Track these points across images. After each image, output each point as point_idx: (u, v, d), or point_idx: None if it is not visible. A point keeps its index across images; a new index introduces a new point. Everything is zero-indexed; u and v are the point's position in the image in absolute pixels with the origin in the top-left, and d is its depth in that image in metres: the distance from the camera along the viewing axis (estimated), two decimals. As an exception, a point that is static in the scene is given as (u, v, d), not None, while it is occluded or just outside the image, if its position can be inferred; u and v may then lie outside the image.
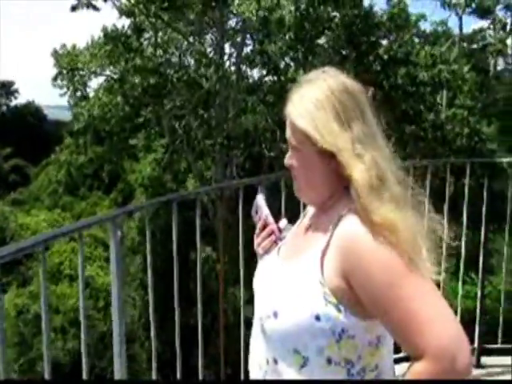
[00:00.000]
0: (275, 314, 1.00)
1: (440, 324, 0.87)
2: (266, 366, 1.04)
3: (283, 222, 1.20)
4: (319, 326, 0.96)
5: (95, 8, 11.49)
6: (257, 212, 1.22)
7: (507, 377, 2.61)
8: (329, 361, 0.97)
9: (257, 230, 1.22)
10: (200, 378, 2.21)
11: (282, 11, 10.70)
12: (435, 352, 0.85)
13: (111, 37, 11.26)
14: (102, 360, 8.13)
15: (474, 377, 2.62)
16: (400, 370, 0.99)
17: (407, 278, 0.90)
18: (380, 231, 0.92)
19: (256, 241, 1.22)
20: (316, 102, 0.99)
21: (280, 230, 1.18)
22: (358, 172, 0.95)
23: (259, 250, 1.20)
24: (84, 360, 1.67)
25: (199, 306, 2.18)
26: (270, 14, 10.51)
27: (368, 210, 0.93)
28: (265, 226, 1.19)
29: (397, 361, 1.06)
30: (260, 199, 1.23)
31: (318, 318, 0.96)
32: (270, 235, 1.18)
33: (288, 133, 1.05)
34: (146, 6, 10.64)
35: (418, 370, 0.87)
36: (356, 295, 0.95)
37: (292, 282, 1.01)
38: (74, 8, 11.49)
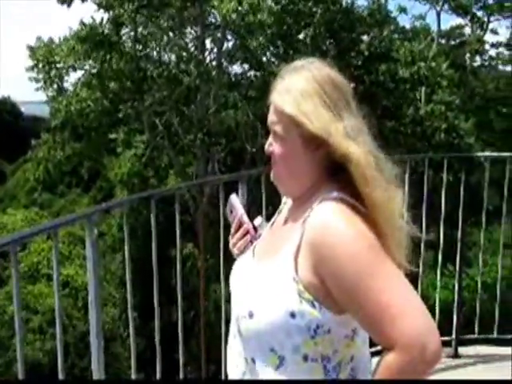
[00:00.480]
0: (250, 314, 0.99)
1: (410, 315, 0.88)
2: (244, 366, 1.04)
3: (258, 220, 1.19)
4: (294, 323, 0.96)
5: (69, 4, 11.18)
6: (231, 211, 1.21)
7: (484, 366, 2.68)
8: (305, 358, 0.97)
9: (232, 230, 1.21)
10: (181, 375, 2.20)
11: (262, 8, 10.65)
12: (405, 342, 0.86)
13: (88, 31, 11.02)
14: (83, 360, 8.02)
15: (452, 367, 2.68)
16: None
17: (377, 269, 0.91)
18: (363, 213, 0.93)
19: (231, 241, 1.21)
20: (302, 91, 0.99)
21: (255, 229, 1.16)
22: (355, 150, 0.95)
23: (234, 251, 1.19)
24: (60, 360, 1.64)
25: (179, 302, 2.16)
26: (250, 12, 10.44)
27: (370, 184, 0.94)
28: (240, 226, 1.18)
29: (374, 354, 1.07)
30: (234, 198, 1.22)
31: (293, 315, 0.96)
32: (245, 235, 1.17)
33: (272, 119, 1.03)
34: (123, 3, 10.46)
35: (389, 360, 0.88)
36: (329, 290, 0.94)
37: (266, 280, 1.00)
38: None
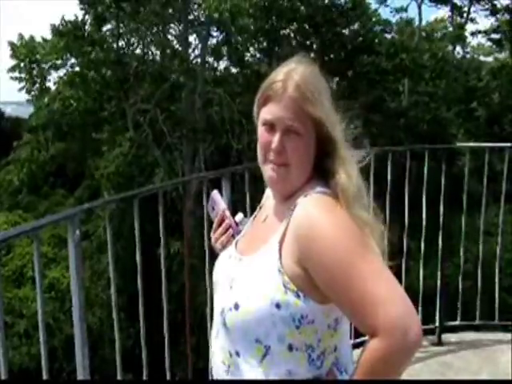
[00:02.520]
0: (236, 306, 1.01)
1: (391, 301, 0.90)
2: (228, 359, 1.04)
3: (239, 216, 1.21)
4: (279, 314, 0.97)
5: None
6: (213, 208, 1.22)
7: (467, 352, 2.74)
8: (290, 347, 0.99)
9: (214, 226, 1.22)
10: (167, 375, 2.20)
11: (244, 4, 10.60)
12: (387, 328, 0.88)
13: (70, 28, 10.85)
14: (71, 363, 7.94)
15: (436, 354, 2.73)
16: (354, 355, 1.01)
17: (358, 258, 0.93)
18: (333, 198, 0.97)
19: (213, 236, 1.22)
20: (319, 90, 1.01)
21: (237, 224, 1.18)
22: (344, 178, 1.00)
23: (217, 246, 1.20)
24: (43, 362, 1.63)
25: (164, 302, 2.16)
26: (234, 9, 10.38)
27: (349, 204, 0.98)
28: (222, 222, 1.19)
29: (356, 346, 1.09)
30: (216, 194, 1.23)
31: (278, 306, 0.97)
32: (227, 230, 1.18)
33: (287, 116, 1.00)
34: None
35: (373, 346, 0.90)
36: (313, 280, 0.96)
37: (252, 273, 1.01)
38: None
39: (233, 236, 1.17)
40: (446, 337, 2.88)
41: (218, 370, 1.07)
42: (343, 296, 0.93)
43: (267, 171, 1.05)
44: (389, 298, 0.90)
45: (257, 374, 1.00)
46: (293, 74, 1.03)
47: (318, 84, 1.03)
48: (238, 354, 1.02)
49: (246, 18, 10.38)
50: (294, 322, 0.97)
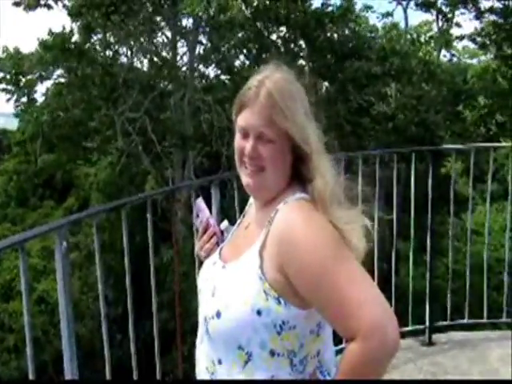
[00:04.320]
0: (218, 314, 1.01)
1: (369, 305, 0.91)
2: (212, 367, 1.05)
3: (224, 224, 1.21)
4: (261, 320, 0.98)
5: (49, 7, 10.91)
6: (198, 215, 1.22)
7: (457, 352, 2.75)
8: (272, 353, 0.99)
9: (199, 234, 1.23)
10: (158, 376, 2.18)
11: (231, 11, 10.67)
12: (366, 331, 0.89)
13: (58, 40, 10.81)
14: (61, 377, 7.79)
15: (427, 354, 2.74)
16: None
17: (337, 263, 0.94)
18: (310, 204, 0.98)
19: (198, 244, 1.22)
20: (288, 98, 1.01)
21: (222, 232, 1.18)
22: (321, 183, 1.00)
23: (201, 253, 1.21)
24: (30, 375, 1.60)
25: (154, 311, 2.14)
26: (221, 12, 10.45)
27: (327, 210, 0.99)
28: (206, 229, 1.20)
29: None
30: (200, 202, 1.23)
31: (259, 312, 0.98)
32: (211, 238, 1.19)
33: (259, 123, 1.02)
34: (91, 10, 10.30)
35: (352, 349, 0.90)
36: (293, 285, 0.96)
37: (233, 280, 1.02)
38: (16, 4, 10.88)
39: (217, 244, 1.17)
40: (437, 337, 2.90)
41: (202, 377, 1.08)
42: (322, 300, 0.94)
43: (243, 177, 1.07)
44: (366, 301, 0.91)
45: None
46: (266, 81, 1.03)
47: (292, 91, 1.03)
48: (220, 361, 1.03)
49: (234, 18, 10.41)
50: (275, 328, 0.98)
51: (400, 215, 3.22)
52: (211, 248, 1.18)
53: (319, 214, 0.99)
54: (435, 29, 16.01)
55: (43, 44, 11.04)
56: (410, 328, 2.92)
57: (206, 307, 1.06)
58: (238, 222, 1.21)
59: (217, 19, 10.38)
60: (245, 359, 1.00)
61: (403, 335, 2.86)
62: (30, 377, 1.60)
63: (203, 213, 1.21)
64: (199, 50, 12.05)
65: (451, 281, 3.01)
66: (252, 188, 1.06)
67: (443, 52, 15.38)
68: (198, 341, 1.10)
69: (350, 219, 1.00)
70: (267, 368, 0.99)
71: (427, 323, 2.88)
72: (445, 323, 3.00)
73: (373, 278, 0.95)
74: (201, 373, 1.08)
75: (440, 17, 15.29)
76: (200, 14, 9.85)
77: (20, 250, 1.60)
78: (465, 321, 2.98)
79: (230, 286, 1.02)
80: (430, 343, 2.84)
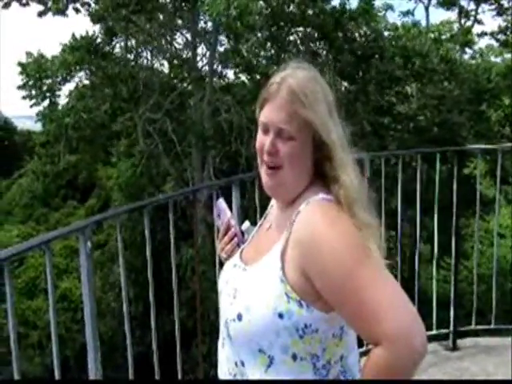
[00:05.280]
0: (239, 317, 1.00)
1: (394, 310, 0.89)
2: (234, 369, 1.04)
3: (245, 225, 1.20)
4: (282, 323, 0.96)
5: (63, 14, 11.17)
6: (219, 215, 1.22)
7: (482, 357, 2.69)
8: (294, 357, 0.98)
9: (220, 235, 1.22)
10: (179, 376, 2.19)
11: (252, 11, 10.66)
12: (390, 336, 0.87)
13: (81, 43, 11.02)
14: (84, 373, 7.92)
15: (451, 359, 2.68)
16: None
17: (361, 267, 0.92)
18: (336, 208, 0.97)
19: (219, 245, 1.22)
20: (314, 93, 1.00)
21: (242, 233, 1.18)
22: (346, 181, 0.99)
23: (222, 255, 1.20)
24: (56, 373, 1.64)
25: (175, 311, 2.16)
26: (241, 14, 10.44)
27: (352, 209, 0.97)
28: (227, 230, 1.19)
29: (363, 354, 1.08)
30: (221, 203, 1.23)
31: (281, 315, 0.96)
32: (232, 239, 1.18)
33: (280, 118, 1.00)
34: (116, 10, 10.45)
35: (377, 355, 0.88)
36: (315, 288, 0.95)
37: (255, 283, 1.01)
38: (40, 14, 11.19)
39: (238, 245, 1.16)
40: (461, 342, 2.84)
41: (224, 379, 1.07)
42: (345, 304, 0.92)
43: (262, 175, 1.05)
44: (391, 306, 0.89)
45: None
46: (288, 77, 1.02)
47: (314, 88, 1.02)
48: (242, 363, 1.02)
49: (254, 20, 10.41)
50: (297, 332, 0.97)
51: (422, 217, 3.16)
52: (232, 249, 1.17)
53: (343, 215, 0.97)
54: (457, 27, 15.71)
55: (68, 46, 11.26)
56: (433, 332, 2.87)
57: (226, 310, 1.05)
58: (260, 223, 1.19)
59: (236, 24, 10.39)
60: (267, 363, 0.99)
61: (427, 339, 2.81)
62: (56, 374, 1.64)
63: (224, 214, 1.20)
64: (218, 50, 12.12)
65: (476, 284, 2.94)
66: (269, 187, 1.04)
67: (466, 50, 15.07)
68: (219, 344, 1.10)
69: (372, 223, 0.98)
70: (290, 372, 0.98)
71: (451, 328, 2.82)
72: (469, 328, 2.93)
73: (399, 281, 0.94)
74: (223, 375, 1.08)
75: (462, 15, 15.00)
76: (220, 18, 9.88)
77: (46, 250, 1.64)
78: (491, 326, 2.90)
79: (251, 288, 1.01)
80: (455, 348, 2.78)
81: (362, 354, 1.05)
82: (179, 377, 2.16)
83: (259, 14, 10.67)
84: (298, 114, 0.99)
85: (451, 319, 2.83)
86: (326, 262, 0.92)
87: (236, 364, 1.03)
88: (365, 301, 0.89)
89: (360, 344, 1.06)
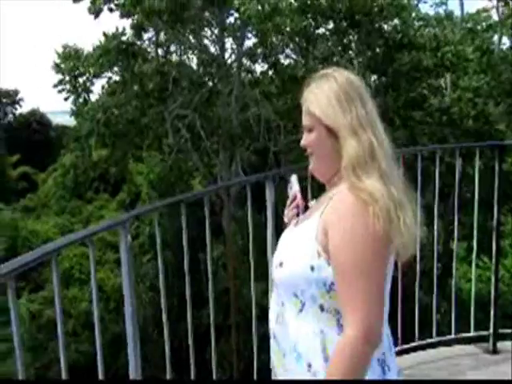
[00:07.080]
0: (281, 264, 1.21)
1: (370, 307, 1.07)
2: (278, 309, 1.23)
3: (311, 203, 1.40)
4: (313, 275, 1.15)
5: (111, 10, 11.27)
6: (291, 188, 1.46)
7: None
8: (321, 308, 1.15)
9: (288, 203, 1.43)
10: (214, 375, 2.21)
11: (282, 10, 10.54)
12: (358, 325, 1.06)
13: (112, 45, 11.20)
14: (116, 361, 8.15)
15: (491, 362, 2.58)
16: (401, 362, 1.02)
17: (366, 266, 1.08)
18: (362, 200, 1.11)
19: (286, 211, 1.42)
20: (323, 90, 1.22)
21: (307, 207, 1.38)
22: (350, 147, 1.16)
23: (285, 219, 1.41)
24: (99, 361, 1.68)
25: (211, 305, 2.17)
26: (273, 12, 10.32)
27: (353, 181, 1.14)
28: (293, 201, 1.41)
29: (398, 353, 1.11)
30: (294, 178, 1.47)
31: (312, 268, 1.15)
32: (296, 207, 1.40)
33: (303, 118, 1.26)
34: (151, 18, 10.55)
35: (342, 336, 1.09)
36: None
37: (296, 239, 1.23)
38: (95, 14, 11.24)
39: (297, 214, 1.37)
40: (502, 345, 2.72)
41: (271, 320, 1.26)
42: (340, 287, 1.11)
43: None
44: (369, 304, 1.07)
45: (295, 326, 1.17)
46: (312, 82, 1.26)
47: (320, 83, 1.23)
48: (283, 304, 1.21)
49: (282, 19, 10.34)
50: (324, 286, 1.14)
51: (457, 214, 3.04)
52: (292, 216, 1.37)
53: (370, 207, 1.10)
54: (494, 16, 15.09)
55: (99, 47, 11.50)
56: (471, 334, 2.77)
57: (275, 258, 1.25)
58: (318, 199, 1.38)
59: (266, 25, 10.30)
60: (299, 307, 1.17)
61: (464, 341, 2.71)
62: (99, 365, 1.69)
63: (294, 187, 1.44)
64: (246, 45, 12.09)
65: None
66: (310, 170, 1.29)
67: (504, 40, 14.45)
68: (270, 290, 1.32)
69: (380, 189, 1.11)
70: (317, 321, 1.15)
71: (491, 330, 2.71)
72: (510, 331, 2.80)
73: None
74: (272, 316, 1.25)
75: (500, 2, 14.38)
76: (251, 17, 9.83)
77: (89, 244, 1.69)
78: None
79: (293, 243, 1.22)
80: (495, 351, 2.67)
81: (404, 352, 1.03)
82: (213, 371, 2.17)
83: (290, 9, 10.56)
84: (307, 109, 1.24)
85: (491, 320, 2.72)
86: (338, 248, 1.11)
87: (278, 304, 1.23)
88: (354, 296, 1.07)
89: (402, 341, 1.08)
